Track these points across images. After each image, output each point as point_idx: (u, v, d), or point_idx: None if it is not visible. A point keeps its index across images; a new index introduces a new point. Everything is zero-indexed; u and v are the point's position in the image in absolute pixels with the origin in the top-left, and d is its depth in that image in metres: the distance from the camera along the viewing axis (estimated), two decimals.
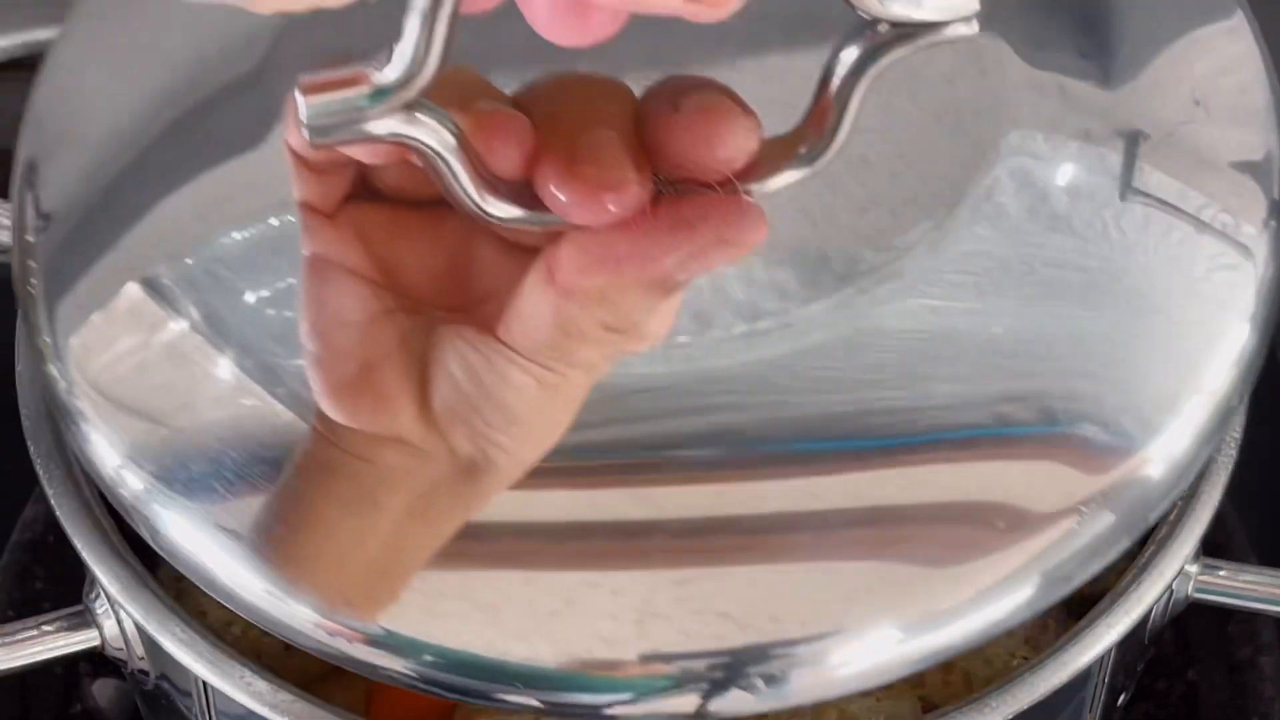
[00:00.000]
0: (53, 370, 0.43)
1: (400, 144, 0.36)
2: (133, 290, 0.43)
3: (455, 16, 0.34)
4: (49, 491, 0.47)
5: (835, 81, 0.38)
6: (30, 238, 0.45)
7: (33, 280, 0.45)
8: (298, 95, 0.35)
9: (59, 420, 0.44)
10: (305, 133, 0.35)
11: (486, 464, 0.38)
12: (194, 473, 0.41)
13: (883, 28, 0.38)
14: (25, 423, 0.49)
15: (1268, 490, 0.65)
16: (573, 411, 0.38)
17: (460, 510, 0.39)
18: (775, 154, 0.39)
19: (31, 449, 0.48)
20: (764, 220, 0.37)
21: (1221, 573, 0.50)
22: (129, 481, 0.42)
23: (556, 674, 0.39)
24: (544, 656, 0.39)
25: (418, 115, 0.36)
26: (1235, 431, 0.49)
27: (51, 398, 0.44)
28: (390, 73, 0.35)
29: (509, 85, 0.39)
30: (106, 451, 0.42)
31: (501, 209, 0.37)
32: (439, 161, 0.36)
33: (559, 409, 0.38)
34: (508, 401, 0.38)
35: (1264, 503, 0.64)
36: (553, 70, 0.39)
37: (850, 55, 0.38)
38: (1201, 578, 0.50)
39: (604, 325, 0.37)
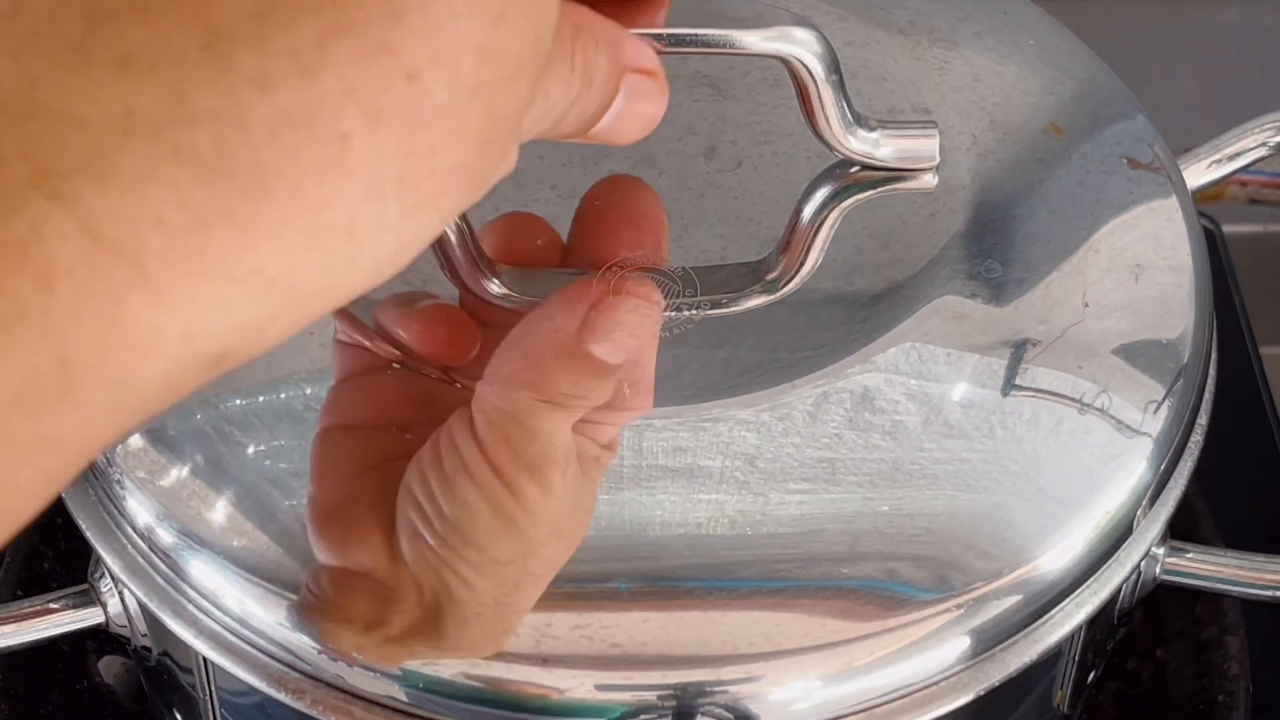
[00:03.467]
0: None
1: None
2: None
3: None
4: None
5: (806, 215, 0.42)
6: None
7: None
8: None
9: (93, 480, 0.47)
10: None
11: (449, 595, 0.37)
12: (215, 528, 0.44)
13: (853, 169, 0.42)
14: None
15: (1235, 477, 0.66)
16: (537, 527, 0.37)
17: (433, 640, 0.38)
18: (746, 278, 0.42)
19: None
20: (655, 287, 0.37)
21: (1188, 555, 0.51)
22: (160, 534, 0.45)
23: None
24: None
25: None
26: (1202, 419, 0.50)
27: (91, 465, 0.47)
28: None
29: None
30: (139, 510, 0.45)
31: (488, 290, 0.39)
32: (443, 237, 0.38)
33: (521, 525, 0.36)
34: (464, 524, 0.36)
35: (1232, 489, 0.65)
36: None
37: (821, 193, 0.42)
38: (1169, 560, 0.51)
39: (534, 406, 0.36)
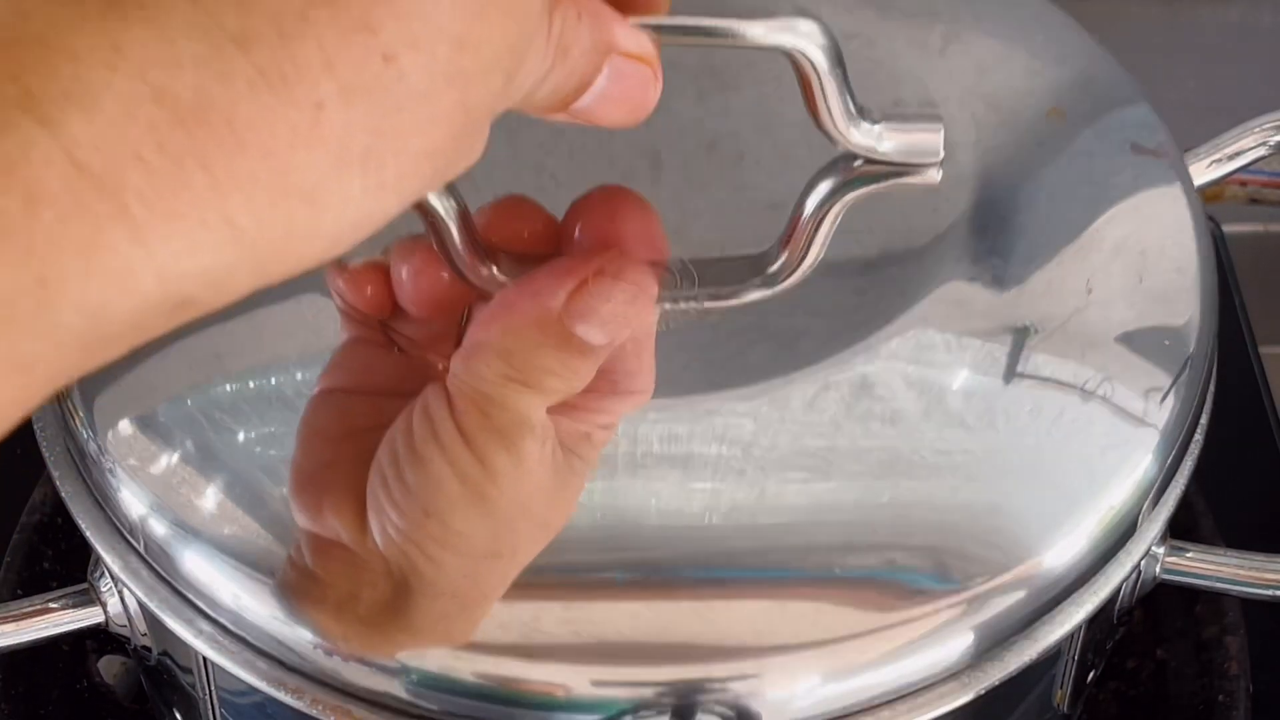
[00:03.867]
0: (83, 433, 0.47)
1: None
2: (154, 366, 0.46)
3: None
4: (54, 474, 0.48)
5: (808, 209, 0.42)
6: None
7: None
8: None
9: (89, 474, 0.47)
10: None
11: (414, 572, 0.36)
12: (207, 519, 0.44)
13: (857, 163, 0.41)
14: None
15: (1235, 477, 0.66)
16: (506, 503, 0.36)
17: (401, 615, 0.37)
18: (747, 270, 0.42)
19: (38, 433, 0.49)
20: (652, 276, 0.37)
21: (1188, 554, 0.51)
22: (153, 527, 0.45)
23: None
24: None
25: None
26: (1204, 417, 0.50)
27: (81, 455, 0.47)
28: None
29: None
30: (132, 502, 0.45)
31: (483, 274, 0.39)
32: (440, 221, 0.38)
33: (492, 499, 0.36)
34: (428, 495, 0.35)
35: (1232, 489, 0.66)
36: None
37: (824, 186, 0.42)
38: (1169, 559, 0.51)
39: (506, 377, 0.35)
